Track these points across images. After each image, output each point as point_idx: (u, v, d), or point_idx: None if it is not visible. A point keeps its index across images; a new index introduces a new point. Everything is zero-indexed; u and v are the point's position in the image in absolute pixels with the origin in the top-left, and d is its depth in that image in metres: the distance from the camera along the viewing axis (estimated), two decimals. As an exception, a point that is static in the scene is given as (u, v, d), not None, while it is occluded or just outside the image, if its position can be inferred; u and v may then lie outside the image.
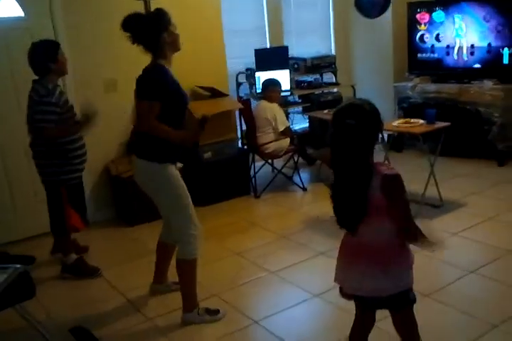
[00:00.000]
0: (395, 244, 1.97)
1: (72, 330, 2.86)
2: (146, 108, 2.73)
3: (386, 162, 4.26)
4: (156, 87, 2.74)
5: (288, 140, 5.19)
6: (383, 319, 2.11)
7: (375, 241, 1.97)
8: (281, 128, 5.12)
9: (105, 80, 4.60)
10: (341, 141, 1.91)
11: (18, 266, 2.53)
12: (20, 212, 4.39)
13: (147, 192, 2.96)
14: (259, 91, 5.57)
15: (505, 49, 5.40)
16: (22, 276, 2.54)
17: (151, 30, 2.75)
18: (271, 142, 5.09)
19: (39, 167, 3.55)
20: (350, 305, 2.93)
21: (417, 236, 1.93)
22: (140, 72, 2.85)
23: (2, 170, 4.31)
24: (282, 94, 5.69)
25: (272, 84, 5.33)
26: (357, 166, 1.90)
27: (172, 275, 3.28)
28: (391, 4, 6.24)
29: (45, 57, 3.38)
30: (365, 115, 1.91)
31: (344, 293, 2.14)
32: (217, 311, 3.05)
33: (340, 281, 2.12)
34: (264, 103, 5.23)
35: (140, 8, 4.51)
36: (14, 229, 4.31)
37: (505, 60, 5.43)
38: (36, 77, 3.44)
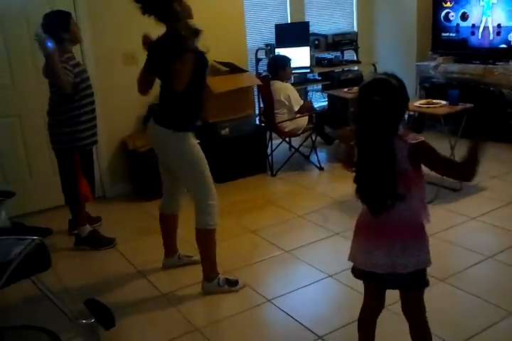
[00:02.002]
0: (416, 219, 1.94)
1: (87, 302, 2.88)
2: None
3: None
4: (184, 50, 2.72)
5: (306, 118, 5.12)
6: (397, 301, 2.09)
7: (396, 217, 1.92)
8: (297, 107, 5.06)
9: (125, 53, 4.55)
10: (368, 119, 1.85)
11: (35, 237, 2.54)
12: (37, 183, 4.41)
13: (167, 162, 2.99)
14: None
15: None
16: (38, 248, 2.55)
17: (161, 1, 2.73)
18: (288, 120, 5.02)
19: (53, 136, 3.57)
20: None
21: (475, 169, 1.89)
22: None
23: (21, 142, 4.32)
24: (302, 71, 5.61)
25: (282, 64, 5.19)
26: (383, 145, 1.84)
27: (184, 248, 3.34)
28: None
29: (58, 27, 3.42)
30: (392, 91, 1.84)
31: (356, 272, 2.10)
32: (236, 282, 3.09)
33: (354, 258, 2.08)
34: (277, 84, 5.08)
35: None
36: (31, 200, 4.32)
37: (533, 41, 5.30)
38: None
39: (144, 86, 3.01)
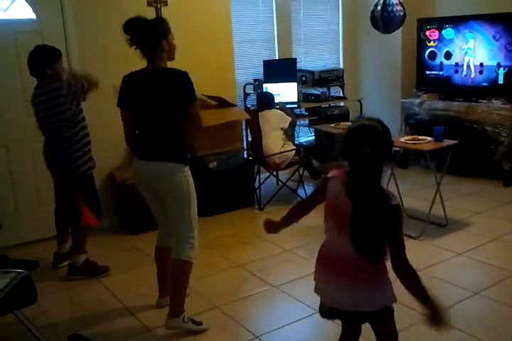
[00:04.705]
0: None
1: (71, 338, 2.83)
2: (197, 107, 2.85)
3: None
4: (193, 87, 2.84)
5: (293, 151, 5.17)
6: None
7: (350, 253, 1.92)
8: (289, 120, 5.22)
9: (114, 85, 4.57)
10: (358, 169, 1.88)
11: (21, 270, 2.51)
12: (22, 215, 4.36)
13: (162, 195, 2.93)
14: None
15: (515, 68, 5.41)
16: (24, 281, 2.51)
17: (152, 36, 2.79)
18: (276, 154, 5.07)
19: (53, 168, 3.57)
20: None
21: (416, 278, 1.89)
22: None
23: (7, 174, 4.29)
24: (290, 106, 5.72)
25: (272, 98, 5.38)
26: (375, 193, 1.87)
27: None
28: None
29: (43, 61, 3.49)
30: (380, 139, 1.87)
31: (323, 311, 2.12)
32: (201, 323, 3.02)
33: (320, 293, 2.10)
34: (267, 112, 5.22)
35: (152, 16, 4.52)
36: (16, 232, 4.27)
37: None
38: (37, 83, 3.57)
39: (131, 130, 2.98)
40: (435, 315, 1.86)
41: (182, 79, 2.81)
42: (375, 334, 2.09)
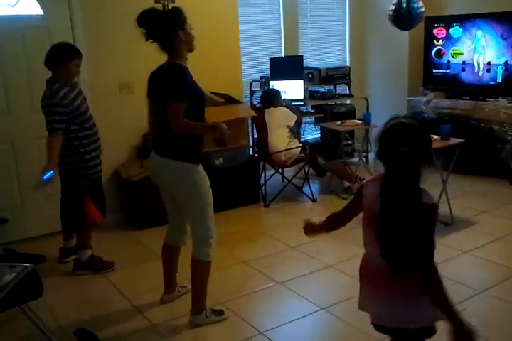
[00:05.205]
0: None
1: (76, 332, 2.84)
2: (174, 110, 2.68)
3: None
4: (180, 88, 2.69)
5: (298, 149, 5.17)
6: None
7: (378, 259, 1.79)
8: (295, 118, 5.22)
9: (120, 81, 4.60)
10: (395, 169, 1.73)
11: (28, 264, 2.52)
12: (29, 210, 4.37)
13: (175, 194, 2.91)
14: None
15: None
16: (30, 275, 2.52)
17: (167, 27, 2.70)
18: (282, 151, 5.08)
19: (60, 165, 3.54)
20: (358, 320, 2.91)
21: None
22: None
23: (14, 169, 4.31)
24: (296, 103, 5.71)
25: (277, 94, 5.39)
26: (407, 193, 1.71)
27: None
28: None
29: (57, 58, 3.45)
30: (418, 138, 1.75)
31: (376, 325, 1.95)
32: (222, 311, 3.08)
33: (365, 309, 1.96)
34: (273, 110, 5.23)
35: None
36: (22, 227, 4.29)
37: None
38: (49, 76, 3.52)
39: (152, 118, 2.95)
40: (461, 334, 1.69)
41: (169, 76, 2.71)
42: None
